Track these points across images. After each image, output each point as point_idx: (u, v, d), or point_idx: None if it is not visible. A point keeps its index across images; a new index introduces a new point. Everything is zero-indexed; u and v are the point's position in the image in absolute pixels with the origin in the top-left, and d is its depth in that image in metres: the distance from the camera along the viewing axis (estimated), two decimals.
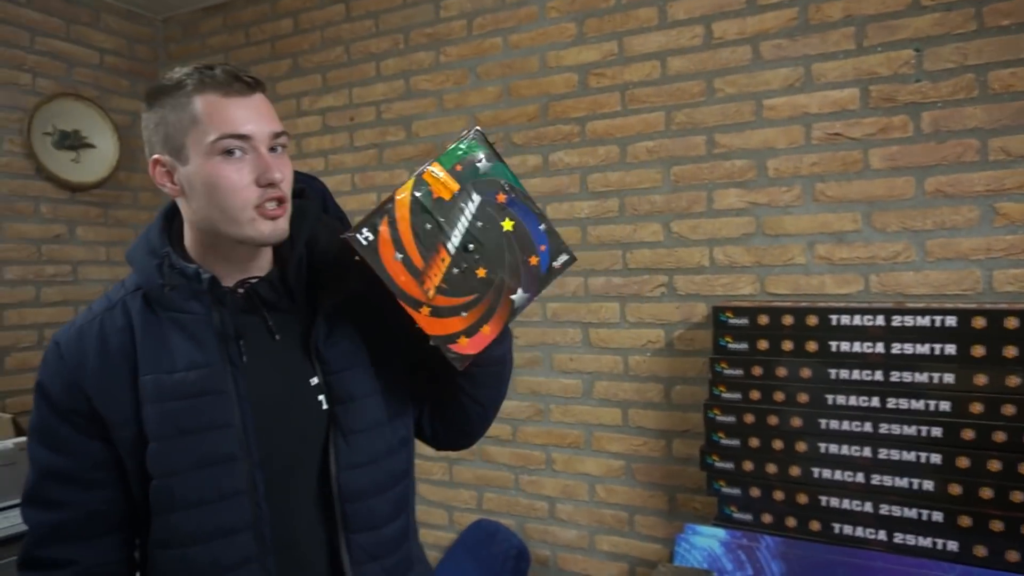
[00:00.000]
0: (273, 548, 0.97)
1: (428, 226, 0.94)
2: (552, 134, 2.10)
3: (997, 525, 1.46)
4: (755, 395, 1.68)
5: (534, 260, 0.97)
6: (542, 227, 0.97)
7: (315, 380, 1.01)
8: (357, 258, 0.94)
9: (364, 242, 0.93)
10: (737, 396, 1.70)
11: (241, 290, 1.00)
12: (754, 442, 1.69)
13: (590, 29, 2.03)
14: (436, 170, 0.95)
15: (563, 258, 0.98)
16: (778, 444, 1.66)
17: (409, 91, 2.33)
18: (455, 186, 0.95)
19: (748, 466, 1.70)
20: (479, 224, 0.95)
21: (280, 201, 0.95)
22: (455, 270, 0.95)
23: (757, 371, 1.68)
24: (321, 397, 1.01)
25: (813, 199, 1.78)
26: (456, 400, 1.08)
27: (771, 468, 1.67)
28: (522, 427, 2.18)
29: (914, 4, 1.66)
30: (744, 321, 1.69)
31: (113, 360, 0.95)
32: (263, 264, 1.02)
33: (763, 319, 1.67)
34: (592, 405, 2.07)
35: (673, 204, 1.94)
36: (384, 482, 1.04)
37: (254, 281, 1.00)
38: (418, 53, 2.30)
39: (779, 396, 1.66)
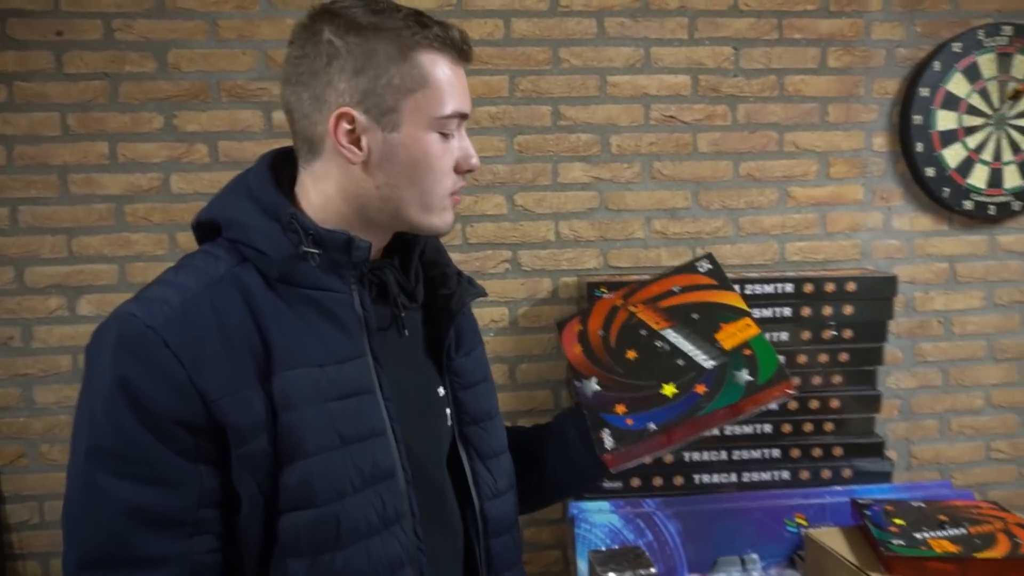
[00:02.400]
0: None
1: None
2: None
3: (816, 451, 1.78)
4: None
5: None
6: (654, 424, 0.93)
7: (442, 391, 0.91)
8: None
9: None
10: None
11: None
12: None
13: (611, 27, 1.80)
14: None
15: (608, 440, 0.95)
16: None
17: (162, 6, 1.72)
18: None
19: None
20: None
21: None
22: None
23: None
24: (448, 411, 0.91)
25: (651, 177, 1.89)
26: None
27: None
28: None
29: (734, 7, 1.86)
30: None
31: (238, 350, 0.73)
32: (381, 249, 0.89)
33: None
34: None
35: (518, 175, 1.85)
36: (515, 510, 0.96)
37: (363, 244, 0.82)
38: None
39: None
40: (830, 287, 1.75)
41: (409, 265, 0.89)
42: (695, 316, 0.97)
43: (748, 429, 1.77)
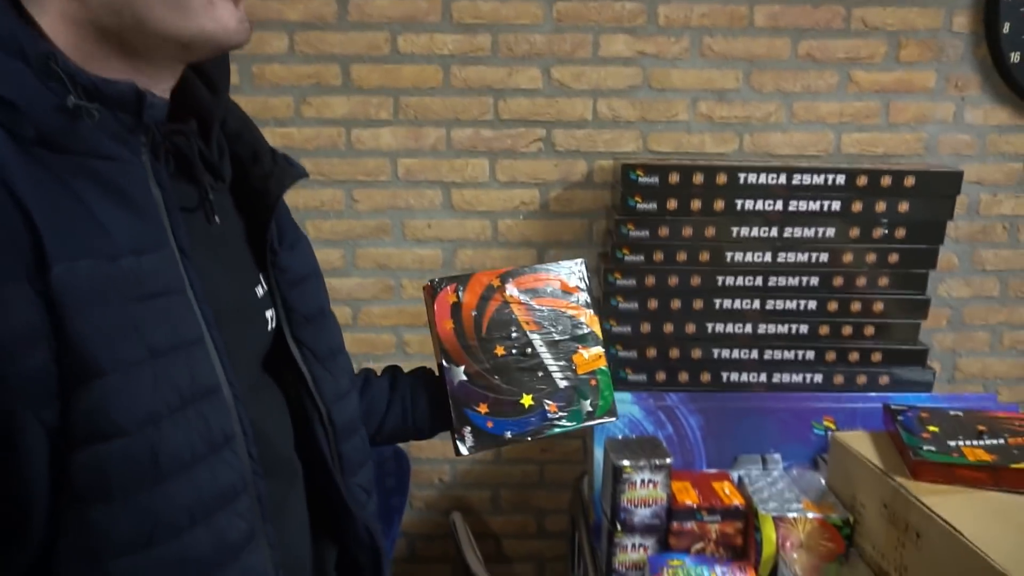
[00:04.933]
0: (272, 513, 0.69)
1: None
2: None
3: (853, 356, 1.70)
4: (658, 256, 1.65)
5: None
6: (511, 432, 0.99)
7: (261, 291, 0.76)
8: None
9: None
10: (640, 258, 1.65)
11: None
12: (652, 304, 1.67)
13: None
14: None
15: (468, 439, 0.98)
16: (676, 304, 1.68)
17: None
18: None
19: (645, 328, 1.69)
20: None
21: None
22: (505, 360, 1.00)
23: (664, 232, 1.64)
24: (269, 314, 0.77)
25: (700, 53, 1.74)
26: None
27: (668, 327, 1.69)
28: (367, 307, 1.84)
29: None
30: (655, 180, 1.61)
31: None
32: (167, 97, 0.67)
33: (674, 177, 1.61)
34: None
35: (555, 47, 1.72)
36: (359, 409, 0.89)
37: (158, 102, 0.64)
38: None
39: (681, 256, 1.65)
40: (886, 180, 1.60)
41: (209, 133, 0.71)
42: (560, 329, 1.02)
43: (783, 329, 1.68)
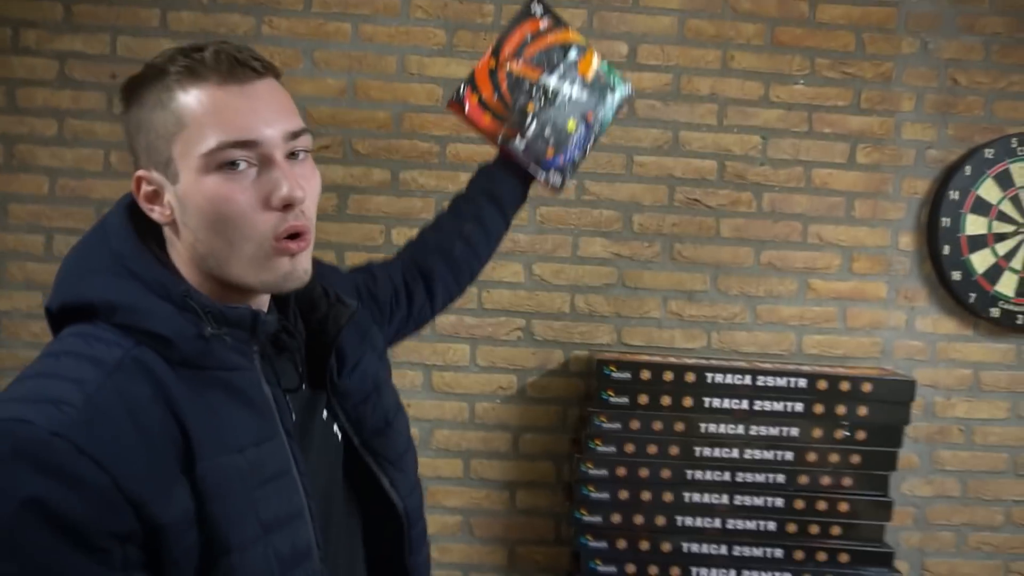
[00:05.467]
0: None
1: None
2: (406, 149, 1.84)
3: (821, 555, 1.72)
4: (630, 448, 1.71)
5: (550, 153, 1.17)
6: (577, 152, 1.19)
7: (325, 414, 0.86)
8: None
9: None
10: (612, 449, 1.71)
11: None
12: (624, 494, 1.71)
13: (461, 42, 1.84)
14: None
15: (555, 178, 1.18)
16: (647, 495, 1.71)
17: None
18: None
19: (616, 518, 1.71)
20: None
21: (300, 234, 0.74)
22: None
23: (635, 425, 1.70)
24: (336, 427, 0.87)
25: (671, 257, 1.89)
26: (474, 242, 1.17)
27: (638, 519, 1.71)
28: None
29: (764, 97, 1.88)
30: (627, 375, 1.70)
31: (158, 443, 0.66)
32: (266, 299, 0.81)
33: (645, 374, 1.70)
34: (430, 456, 1.86)
35: (537, 246, 1.87)
36: (423, 497, 0.98)
37: (269, 319, 0.78)
38: (232, 14, 1.80)
39: (652, 449, 1.71)
40: (845, 386, 1.71)
41: (287, 304, 0.84)
42: (556, 59, 1.18)
43: (751, 525, 1.71)
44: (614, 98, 1.20)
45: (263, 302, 0.80)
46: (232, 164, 0.70)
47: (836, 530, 1.72)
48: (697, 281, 1.89)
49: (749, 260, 1.90)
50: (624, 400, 1.71)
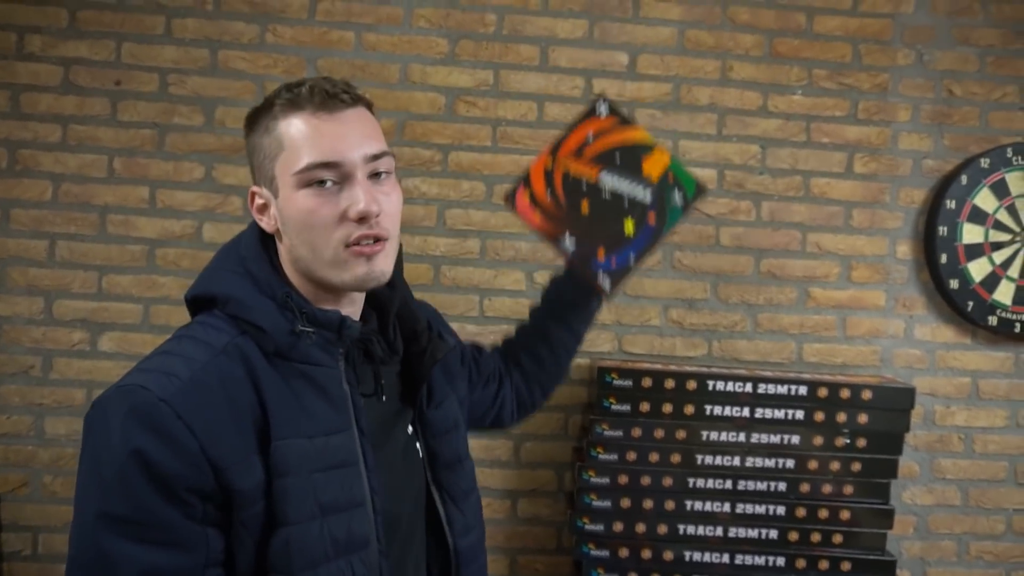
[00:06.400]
0: None
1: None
2: (408, 156, 1.86)
3: (823, 564, 1.71)
4: (631, 456, 1.70)
5: (601, 253, 1.14)
6: (633, 254, 1.14)
7: (411, 429, 0.96)
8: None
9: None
10: (614, 457, 1.70)
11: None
12: (626, 503, 1.71)
13: (464, 51, 1.86)
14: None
15: (605, 281, 1.14)
16: (648, 504, 1.71)
17: (215, 66, 1.82)
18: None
19: (618, 527, 1.70)
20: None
21: (376, 239, 0.85)
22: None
23: (637, 432, 1.70)
24: (419, 448, 0.96)
25: (672, 266, 1.90)
26: (554, 351, 1.24)
27: (640, 528, 1.71)
28: None
29: (763, 107, 1.90)
30: (628, 383, 1.70)
31: (243, 419, 0.79)
32: (359, 308, 0.93)
33: (647, 382, 1.70)
34: None
35: (539, 254, 1.87)
36: (482, 540, 1.02)
37: (360, 328, 0.89)
38: (236, 22, 1.82)
39: (654, 457, 1.70)
40: (845, 393, 1.71)
41: (387, 321, 0.95)
42: (617, 159, 1.14)
43: (753, 533, 1.71)
44: (682, 198, 1.14)
45: (355, 310, 0.91)
46: (320, 182, 0.83)
47: (838, 538, 1.72)
48: (697, 289, 1.90)
49: (749, 268, 1.91)
50: (626, 408, 1.71)
